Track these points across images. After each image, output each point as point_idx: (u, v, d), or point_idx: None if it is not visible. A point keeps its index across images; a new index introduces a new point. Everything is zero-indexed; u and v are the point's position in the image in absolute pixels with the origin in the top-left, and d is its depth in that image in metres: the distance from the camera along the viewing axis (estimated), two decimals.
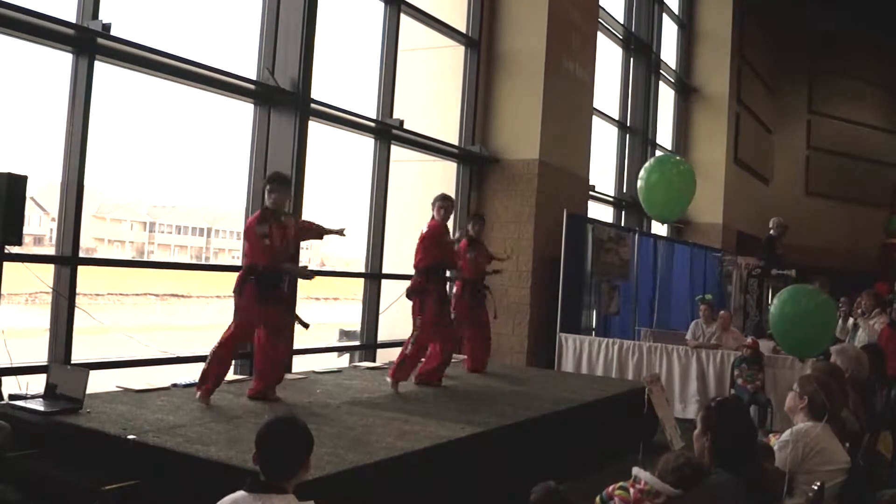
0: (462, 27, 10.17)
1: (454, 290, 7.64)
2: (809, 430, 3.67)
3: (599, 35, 12.10)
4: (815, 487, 3.34)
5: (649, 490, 2.84)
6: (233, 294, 5.45)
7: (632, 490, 2.88)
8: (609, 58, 13.57)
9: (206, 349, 5.54)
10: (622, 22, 13.88)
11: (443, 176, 10.05)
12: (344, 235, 5.91)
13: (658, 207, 5.46)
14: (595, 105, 11.92)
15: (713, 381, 8.71)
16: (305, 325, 5.65)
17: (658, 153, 15.45)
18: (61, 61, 6.00)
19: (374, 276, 8.90)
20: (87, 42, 5.99)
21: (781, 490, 3.41)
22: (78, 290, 6.15)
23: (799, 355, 4.21)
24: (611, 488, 2.99)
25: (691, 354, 8.88)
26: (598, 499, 3.03)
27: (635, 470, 2.94)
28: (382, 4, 8.99)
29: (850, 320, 10.32)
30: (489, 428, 5.18)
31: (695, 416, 3.18)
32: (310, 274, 5.99)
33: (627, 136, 14.28)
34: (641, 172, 5.34)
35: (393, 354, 8.19)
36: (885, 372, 5.98)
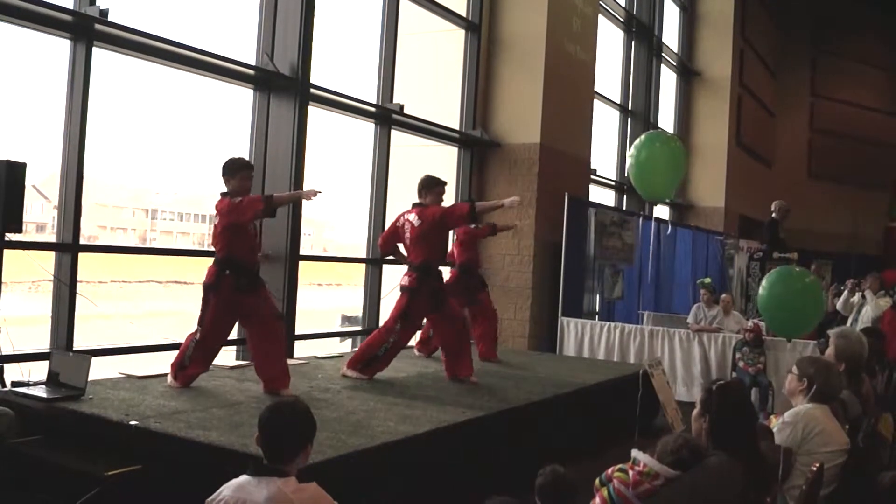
0: (462, 11, 10.11)
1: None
2: (810, 411, 3.68)
3: (600, 18, 12.04)
4: (814, 468, 3.35)
5: (648, 472, 2.85)
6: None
7: (631, 472, 2.89)
8: (610, 41, 13.50)
9: None
10: (623, 4, 13.79)
11: (443, 160, 10.03)
12: None
13: (649, 186, 5.41)
14: (596, 88, 11.87)
15: (715, 365, 8.73)
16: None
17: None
18: (59, 48, 5.99)
19: (375, 262, 8.90)
20: (85, 28, 5.96)
21: (780, 472, 3.42)
22: (81, 278, 6.15)
23: (787, 335, 4.22)
24: (610, 471, 3.00)
25: (693, 338, 8.89)
26: (597, 481, 3.03)
27: (634, 452, 2.94)
28: None
29: (858, 294, 10.38)
30: (491, 412, 5.20)
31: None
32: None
33: (629, 119, 14.23)
34: (631, 150, 5.30)
35: None
36: (884, 355, 6.00)
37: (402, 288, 6.27)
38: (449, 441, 4.67)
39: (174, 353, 5.44)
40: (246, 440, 3.87)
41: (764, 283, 4.09)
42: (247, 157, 7.46)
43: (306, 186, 7.45)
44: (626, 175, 13.76)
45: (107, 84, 6.37)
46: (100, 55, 6.13)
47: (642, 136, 5.37)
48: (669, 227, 12.45)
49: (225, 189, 5.31)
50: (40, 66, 6.38)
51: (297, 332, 7.56)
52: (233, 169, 5.32)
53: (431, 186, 6.34)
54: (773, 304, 4.01)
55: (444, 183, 6.52)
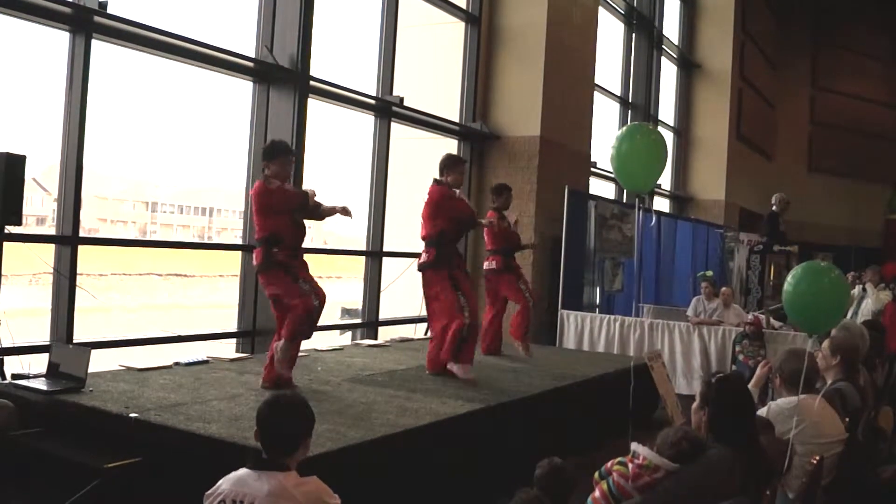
0: (462, 3, 10.08)
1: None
2: (794, 403, 3.70)
3: (601, 10, 12.00)
4: (814, 461, 3.36)
5: (648, 465, 2.85)
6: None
7: (630, 465, 2.90)
8: (611, 33, 13.47)
9: (207, 328, 5.53)
10: None
11: (443, 153, 10.00)
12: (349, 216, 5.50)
13: (630, 178, 5.43)
14: (596, 81, 11.85)
15: (715, 358, 8.73)
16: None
17: (660, 129, 15.38)
18: (58, 40, 5.97)
19: (375, 255, 8.90)
20: (84, 20, 5.94)
21: (781, 465, 3.42)
22: (81, 270, 6.16)
23: (813, 331, 4.20)
24: (609, 464, 3.00)
25: (693, 331, 8.89)
26: (596, 474, 3.04)
27: (634, 445, 2.95)
28: None
29: (858, 287, 10.40)
30: (490, 404, 5.20)
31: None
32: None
33: (629, 111, 14.21)
34: (613, 142, 5.32)
35: (392, 332, 8.21)
36: (884, 348, 6.00)
37: (420, 266, 6.25)
38: (449, 433, 4.67)
39: (174, 346, 5.43)
40: (246, 433, 3.87)
41: (789, 278, 4.08)
42: (246, 150, 7.49)
43: (306, 179, 7.45)
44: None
45: (106, 76, 6.36)
46: (99, 48, 6.12)
47: (623, 129, 5.40)
48: (653, 218, 12.39)
49: (265, 173, 5.14)
50: (39, 59, 6.37)
51: None
52: (272, 152, 5.18)
53: (452, 165, 6.31)
54: (799, 300, 4.01)
55: (465, 161, 6.52)
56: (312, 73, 7.57)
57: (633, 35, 14.33)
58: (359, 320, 8.98)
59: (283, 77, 7.39)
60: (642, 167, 5.38)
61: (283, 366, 5.10)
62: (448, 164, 6.33)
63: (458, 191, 6.39)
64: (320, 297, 5.11)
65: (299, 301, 5.04)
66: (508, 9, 10.27)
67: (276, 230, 5.11)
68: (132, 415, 4.23)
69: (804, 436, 3.55)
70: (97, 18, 5.96)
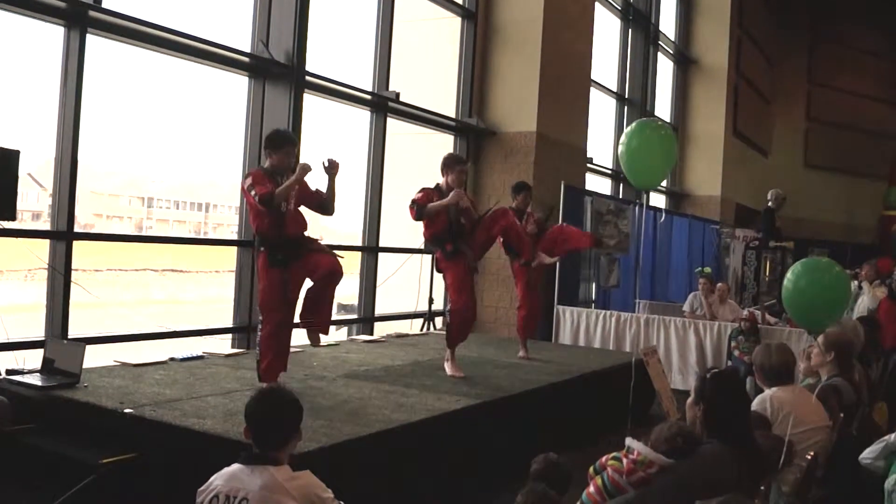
0: None
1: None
2: (770, 396, 3.73)
3: (597, 5, 11.99)
4: (809, 457, 3.36)
5: (642, 460, 2.85)
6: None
7: (625, 460, 2.90)
8: (607, 29, 13.46)
9: (203, 323, 5.52)
10: None
11: (439, 149, 10.00)
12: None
13: (639, 174, 5.42)
14: (593, 76, 11.84)
15: (710, 353, 8.74)
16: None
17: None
18: (53, 35, 5.95)
19: (371, 250, 8.89)
20: (79, 15, 5.92)
21: (776, 460, 3.43)
22: (76, 266, 6.14)
23: (813, 327, 4.19)
24: (604, 459, 3.01)
25: (688, 326, 8.90)
26: (591, 469, 3.04)
27: (628, 440, 2.95)
28: None
29: (854, 283, 10.41)
30: (486, 400, 5.21)
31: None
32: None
33: (626, 107, 14.20)
34: (622, 138, 5.29)
35: (388, 328, 8.22)
36: (879, 343, 6.02)
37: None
38: (444, 429, 4.67)
39: (169, 341, 5.40)
40: (241, 429, 3.86)
41: (789, 275, 4.08)
42: (241, 145, 7.47)
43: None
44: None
45: (101, 71, 6.33)
46: (94, 42, 6.09)
47: (633, 124, 5.37)
48: (663, 215, 12.42)
49: (265, 164, 4.97)
50: (34, 54, 6.34)
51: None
52: (276, 143, 4.95)
53: (451, 164, 6.14)
54: (799, 297, 4.01)
55: (464, 161, 6.43)
56: (308, 68, 7.54)
57: (630, 31, 14.31)
58: (355, 316, 8.97)
59: (278, 72, 7.38)
60: (653, 163, 5.38)
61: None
62: (445, 163, 6.23)
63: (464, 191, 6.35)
64: None
65: None
66: (505, 4, 10.25)
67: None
68: (127, 410, 4.22)
69: (782, 428, 3.56)
70: (92, 13, 5.94)
